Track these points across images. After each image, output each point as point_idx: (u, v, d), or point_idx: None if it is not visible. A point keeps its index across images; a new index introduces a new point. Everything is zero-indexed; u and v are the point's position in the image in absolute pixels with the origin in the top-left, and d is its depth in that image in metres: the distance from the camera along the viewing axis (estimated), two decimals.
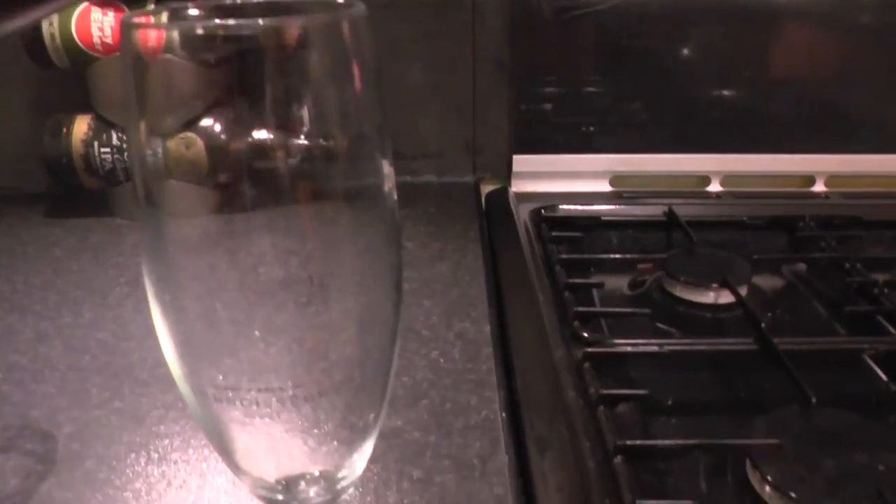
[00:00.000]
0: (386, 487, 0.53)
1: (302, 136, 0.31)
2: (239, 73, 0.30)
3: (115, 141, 0.93)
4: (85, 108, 0.94)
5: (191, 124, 0.31)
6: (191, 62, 0.30)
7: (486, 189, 1.08)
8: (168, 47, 0.30)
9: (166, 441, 0.58)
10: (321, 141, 0.32)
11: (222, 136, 0.31)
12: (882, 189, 1.09)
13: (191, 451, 0.57)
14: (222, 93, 0.30)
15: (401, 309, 0.38)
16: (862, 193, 1.08)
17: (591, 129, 1.08)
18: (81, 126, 0.93)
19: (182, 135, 0.31)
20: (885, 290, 0.78)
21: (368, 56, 0.33)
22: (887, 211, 1.01)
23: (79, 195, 0.98)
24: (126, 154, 0.91)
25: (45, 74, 0.94)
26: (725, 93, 1.07)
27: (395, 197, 0.36)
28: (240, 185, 0.31)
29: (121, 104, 0.32)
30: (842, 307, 0.78)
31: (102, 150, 0.92)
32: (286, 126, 0.31)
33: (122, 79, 0.31)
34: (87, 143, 0.93)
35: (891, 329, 0.72)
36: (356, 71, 0.32)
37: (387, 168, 0.35)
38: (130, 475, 0.55)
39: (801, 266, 0.89)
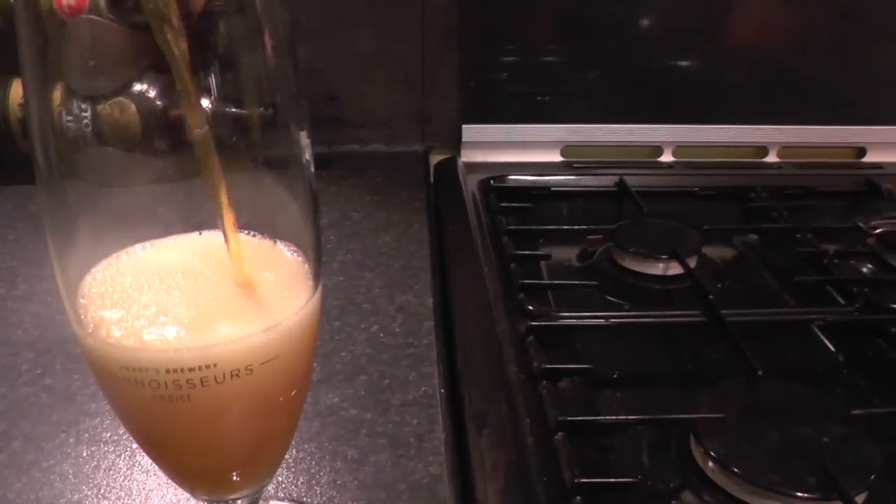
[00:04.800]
0: (319, 467, 0.52)
1: (212, 104, 0.31)
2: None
3: None
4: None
5: (121, 90, 0.30)
6: (120, 25, 0.30)
7: (436, 159, 1.06)
8: (92, 7, 0.29)
9: (97, 420, 0.56)
10: (233, 109, 0.32)
11: (157, 102, 0.30)
12: (835, 160, 1.09)
13: (121, 431, 0.55)
14: (155, 58, 0.29)
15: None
16: (814, 164, 1.08)
17: (543, 98, 1.06)
18: (18, 89, 0.91)
19: (115, 99, 0.30)
20: (836, 261, 0.78)
21: (281, 25, 0.32)
22: (839, 181, 1.01)
23: (17, 161, 0.95)
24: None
25: None
26: (678, 63, 1.06)
27: (312, 168, 0.36)
28: (168, 151, 0.31)
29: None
30: (792, 278, 0.77)
31: None
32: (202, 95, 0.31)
33: (21, 38, 0.29)
34: (25, 108, 0.90)
35: (840, 300, 0.72)
36: (268, 40, 0.32)
37: (304, 139, 0.34)
38: (59, 456, 0.53)
39: (753, 237, 0.88)
